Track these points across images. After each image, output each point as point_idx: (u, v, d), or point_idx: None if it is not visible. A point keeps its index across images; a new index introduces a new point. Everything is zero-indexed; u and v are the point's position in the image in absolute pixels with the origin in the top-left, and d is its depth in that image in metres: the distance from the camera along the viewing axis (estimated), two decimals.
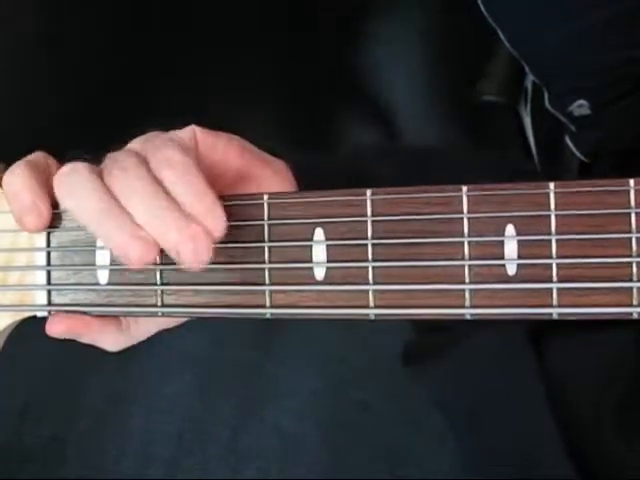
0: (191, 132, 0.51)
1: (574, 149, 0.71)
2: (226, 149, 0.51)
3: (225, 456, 0.91)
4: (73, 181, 0.48)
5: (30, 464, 0.94)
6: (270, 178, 0.53)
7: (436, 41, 1.00)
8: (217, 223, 0.45)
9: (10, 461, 0.94)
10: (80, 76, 1.03)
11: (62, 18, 1.02)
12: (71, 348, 0.95)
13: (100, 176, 0.47)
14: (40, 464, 0.94)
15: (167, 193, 0.46)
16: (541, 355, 0.64)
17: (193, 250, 0.44)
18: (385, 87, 1.01)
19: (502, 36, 0.70)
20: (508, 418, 0.65)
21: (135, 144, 0.50)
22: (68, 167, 0.48)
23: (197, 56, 1.05)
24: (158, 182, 0.46)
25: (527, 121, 0.79)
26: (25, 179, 0.48)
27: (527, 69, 0.72)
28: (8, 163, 0.49)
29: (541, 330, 0.64)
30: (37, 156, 0.51)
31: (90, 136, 1.00)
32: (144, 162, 0.47)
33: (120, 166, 0.47)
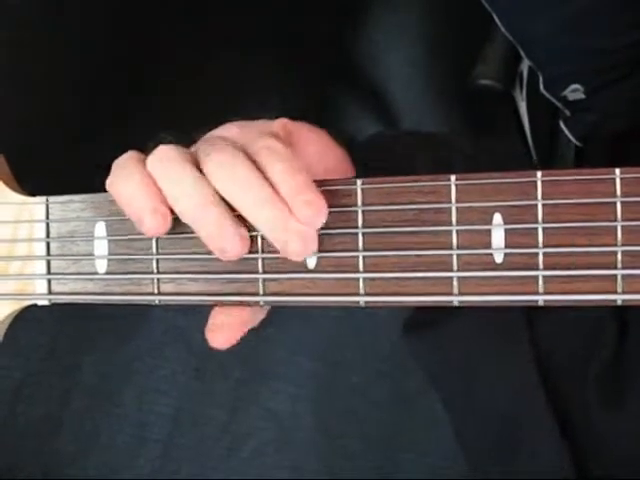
0: (282, 125, 0.50)
1: (568, 133, 0.71)
2: (309, 141, 0.52)
3: (220, 437, 0.92)
4: (168, 169, 0.47)
5: (26, 442, 0.95)
6: (338, 169, 0.53)
7: (434, 26, 1.00)
8: (322, 213, 0.45)
9: (6, 438, 0.95)
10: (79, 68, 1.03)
11: (62, 12, 1.02)
12: (66, 328, 0.96)
13: (194, 162, 0.47)
14: (36, 442, 0.95)
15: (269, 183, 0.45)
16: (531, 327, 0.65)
17: (302, 245, 0.45)
18: (383, 71, 1.02)
19: (497, 20, 0.70)
20: (501, 390, 0.65)
21: (226, 131, 0.49)
22: (160, 152, 0.47)
23: (195, 43, 1.05)
24: (260, 170, 0.45)
25: (522, 106, 0.80)
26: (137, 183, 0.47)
27: (522, 53, 0.72)
28: (6, 156, 0.50)
29: None
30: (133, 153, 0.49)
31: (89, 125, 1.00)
32: (242, 149, 0.46)
33: (220, 152, 0.46)
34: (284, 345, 0.94)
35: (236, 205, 0.46)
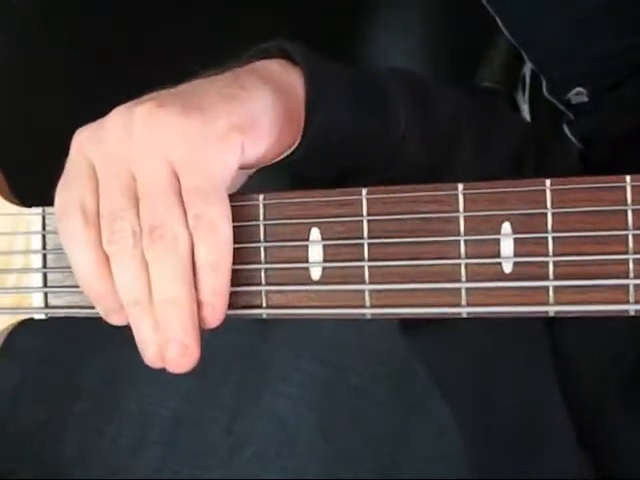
0: (238, 152, 0.46)
1: (570, 136, 0.70)
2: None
3: (222, 439, 0.92)
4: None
5: (28, 444, 0.95)
6: None
7: (436, 27, 1.00)
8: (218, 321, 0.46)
9: (7, 442, 0.95)
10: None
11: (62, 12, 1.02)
12: (68, 331, 0.96)
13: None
14: (38, 444, 0.95)
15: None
16: (552, 330, 0.64)
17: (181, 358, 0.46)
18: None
19: (500, 23, 0.70)
20: (515, 392, 0.65)
21: (177, 152, 0.45)
22: (115, 231, 0.44)
23: (195, 42, 1.04)
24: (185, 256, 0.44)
25: (525, 109, 0.79)
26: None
27: (525, 57, 0.71)
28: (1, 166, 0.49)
29: None
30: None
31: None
32: (180, 200, 0.45)
33: (161, 243, 0.44)
34: (286, 348, 0.94)
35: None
